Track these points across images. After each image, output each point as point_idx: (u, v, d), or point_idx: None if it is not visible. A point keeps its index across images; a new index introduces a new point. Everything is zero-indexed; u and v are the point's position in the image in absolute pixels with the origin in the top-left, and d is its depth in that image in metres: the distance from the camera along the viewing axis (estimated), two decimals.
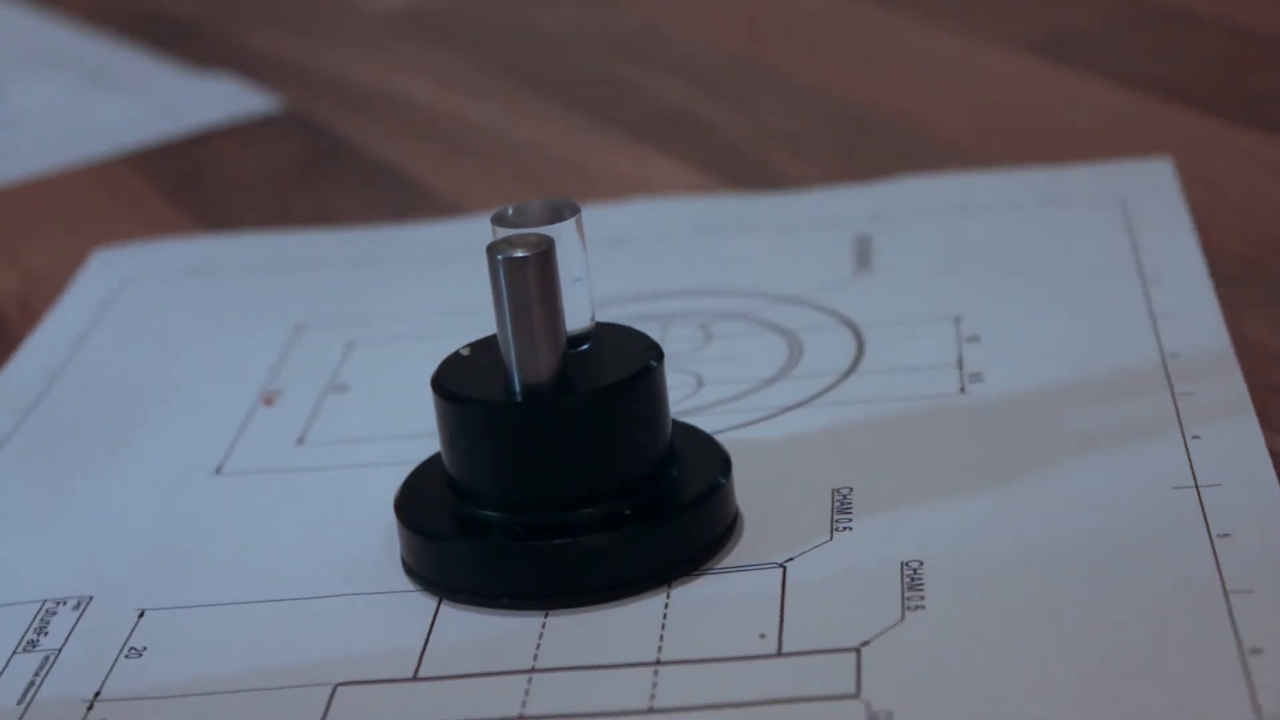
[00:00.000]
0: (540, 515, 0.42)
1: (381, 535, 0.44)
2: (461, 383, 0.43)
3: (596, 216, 0.60)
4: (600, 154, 0.68)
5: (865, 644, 0.39)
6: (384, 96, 0.77)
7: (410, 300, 0.57)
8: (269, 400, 0.51)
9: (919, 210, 0.59)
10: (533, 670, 0.40)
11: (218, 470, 0.48)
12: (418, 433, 0.48)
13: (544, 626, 0.41)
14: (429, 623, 0.42)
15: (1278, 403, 0.46)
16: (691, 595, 0.42)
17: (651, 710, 0.38)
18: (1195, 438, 0.45)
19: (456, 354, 0.44)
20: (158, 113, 0.77)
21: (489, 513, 0.42)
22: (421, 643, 0.41)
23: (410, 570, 0.43)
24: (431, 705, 0.39)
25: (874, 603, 0.41)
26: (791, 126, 0.69)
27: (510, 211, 0.42)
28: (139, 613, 0.43)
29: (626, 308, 0.54)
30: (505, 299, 0.41)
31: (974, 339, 0.51)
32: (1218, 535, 0.41)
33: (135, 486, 0.48)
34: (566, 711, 0.39)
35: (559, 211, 0.42)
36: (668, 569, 0.42)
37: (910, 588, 0.41)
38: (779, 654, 0.39)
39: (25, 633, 0.42)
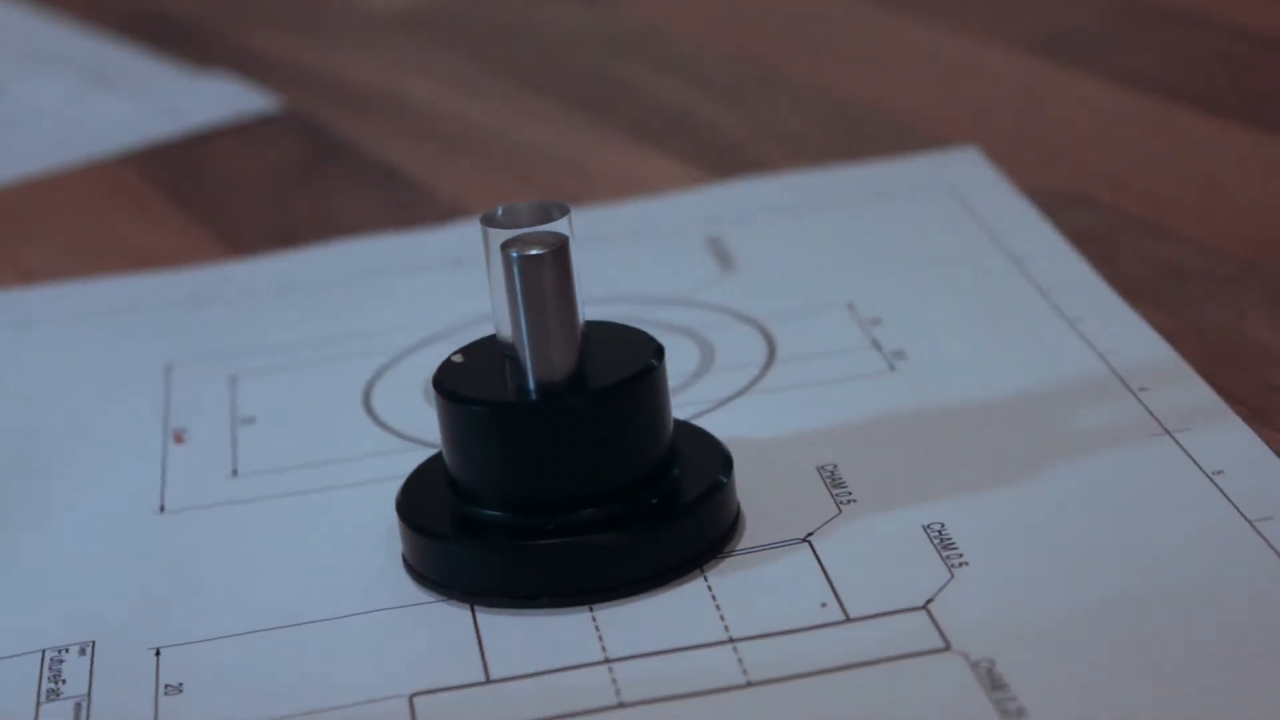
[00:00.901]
0: (549, 515, 0.42)
1: (370, 551, 0.44)
2: (467, 386, 0.42)
3: (439, 238, 0.61)
4: (600, 154, 0.68)
5: (930, 601, 0.40)
6: (384, 96, 0.77)
7: (276, 332, 0.56)
8: (179, 438, 0.50)
9: (754, 210, 0.60)
10: (607, 660, 0.40)
11: (161, 510, 0.47)
12: (347, 456, 0.48)
13: (594, 619, 0.41)
14: (471, 627, 0.41)
15: (1278, 402, 0.46)
16: (729, 577, 0.42)
17: (750, 684, 0.39)
18: (1143, 390, 0.47)
19: (449, 361, 0.43)
20: (158, 113, 0.77)
21: (491, 512, 0.42)
22: (475, 646, 0.41)
23: (430, 579, 0.43)
24: (523, 704, 0.39)
25: (915, 564, 0.42)
26: (791, 126, 0.68)
27: (500, 213, 0.42)
28: (154, 651, 0.41)
29: None
30: (520, 297, 0.41)
31: (876, 321, 0.52)
32: (1213, 473, 0.43)
33: (81, 532, 0.47)
34: (665, 694, 0.39)
35: (548, 213, 0.42)
36: (687, 563, 0.42)
37: (944, 547, 0.42)
38: (849, 619, 0.40)
39: (40, 683, 0.41)
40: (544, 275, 0.41)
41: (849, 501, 0.44)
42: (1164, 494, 0.43)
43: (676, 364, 0.50)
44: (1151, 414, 0.46)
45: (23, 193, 0.71)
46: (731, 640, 0.40)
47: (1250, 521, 0.41)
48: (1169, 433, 0.45)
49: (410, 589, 0.43)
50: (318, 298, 0.58)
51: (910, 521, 0.43)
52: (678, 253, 0.58)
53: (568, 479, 0.42)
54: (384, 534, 0.44)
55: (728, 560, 0.43)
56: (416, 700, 0.39)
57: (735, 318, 0.53)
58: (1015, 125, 0.66)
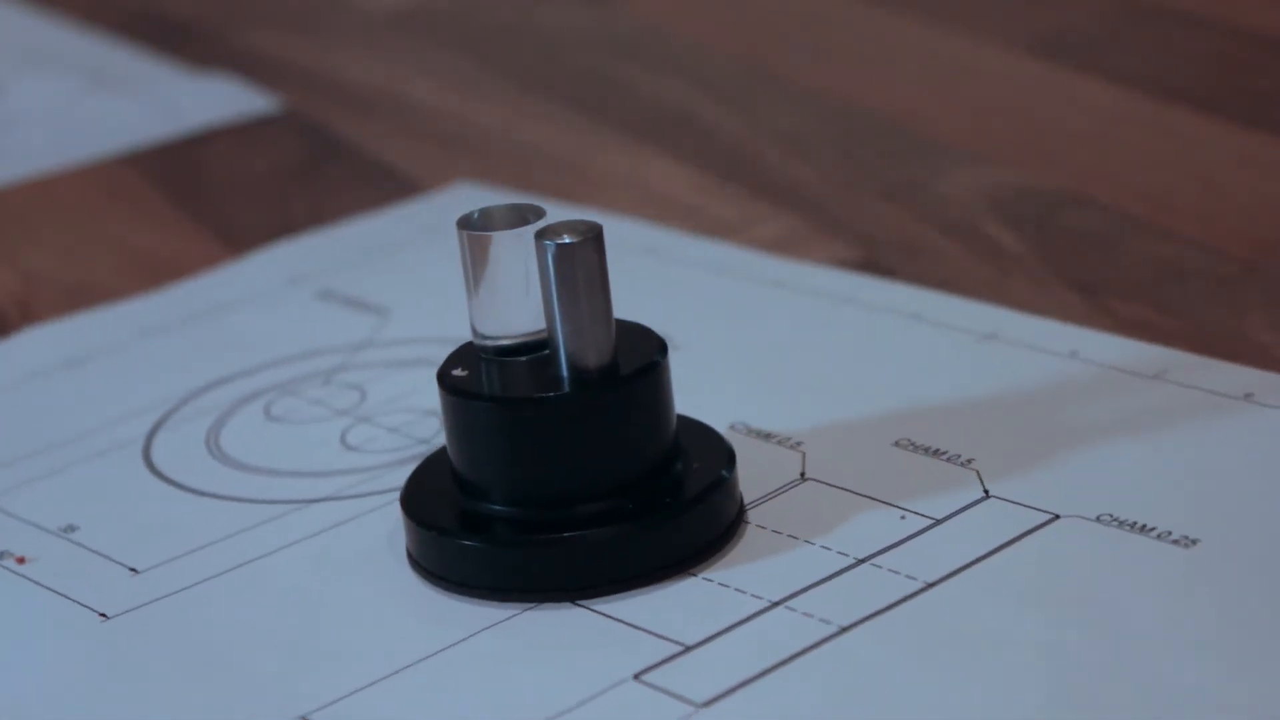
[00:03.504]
0: (559, 510, 0.42)
1: (393, 589, 0.43)
2: (482, 387, 0.42)
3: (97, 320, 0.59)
4: (600, 154, 0.68)
5: (987, 495, 0.43)
6: (384, 96, 0.77)
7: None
8: (20, 560, 0.46)
9: (343, 262, 0.60)
10: (775, 604, 0.40)
11: (104, 616, 0.44)
12: (216, 538, 0.46)
13: (706, 580, 0.42)
14: (593, 615, 0.41)
15: None
16: (780, 520, 0.43)
17: (928, 585, 0.40)
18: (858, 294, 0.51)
19: (451, 375, 0.43)
20: (158, 113, 0.77)
21: (500, 508, 0.42)
22: (626, 627, 0.41)
23: (440, 577, 0.43)
24: (754, 654, 0.39)
25: (928, 471, 0.44)
26: (791, 126, 0.68)
27: (476, 215, 0.42)
28: (301, 718, 0.40)
29: (248, 383, 0.53)
30: (554, 286, 0.41)
31: None
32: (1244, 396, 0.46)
33: (41, 651, 0.43)
34: (868, 612, 0.40)
35: (523, 215, 0.42)
36: (697, 553, 0.42)
37: (933, 454, 0.45)
38: (938, 521, 0.42)
39: None
40: (580, 263, 0.41)
41: (796, 446, 0.45)
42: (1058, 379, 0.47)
43: None
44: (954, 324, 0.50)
45: (23, 193, 0.71)
46: (861, 561, 0.41)
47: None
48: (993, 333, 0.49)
49: (488, 609, 0.42)
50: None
51: (879, 444, 0.45)
52: (304, 309, 0.58)
53: (588, 472, 0.42)
54: (381, 572, 0.44)
55: (753, 512, 0.44)
56: (645, 678, 0.39)
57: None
58: (1015, 125, 0.66)
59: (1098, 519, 0.41)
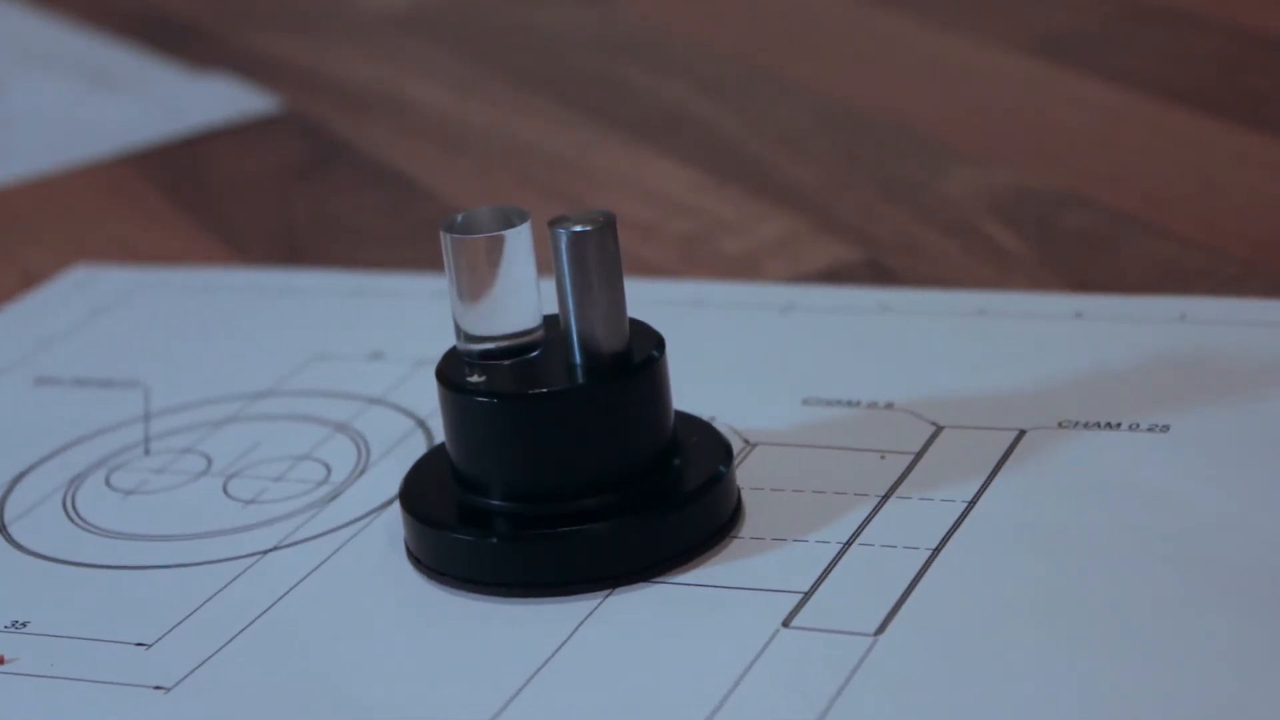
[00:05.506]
0: (563, 504, 0.42)
1: (436, 615, 0.42)
2: (494, 386, 0.42)
3: None
4: (600, 154, 0.68)
5: (938, 427, 0.45)
6: (384, 96, 0.77)
7: None
8: (1, 659, 0.43)
9: (31, 350, 0.57)
10: (846, 545, 0.42)
11: (158, 688, 0.41)
12: (199, 602, 0.44)
13: (755, 539, 0.42)
14: (687, 588, 0.41)
15: None
16: (764, 481, 0.44)
17: (969, 502, 0.43)
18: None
19: (464, 380, 0.43)
20: (158, 113, 0.77)
21: (495, 503, 0.42)
22: (731, 591, 0.41)
23: (439, 571, 0.43)
24: (870, 591, 0.40)
25: (861, 421, 0.46)
26: (791, 126, 0.69)
27: (460, 219, 0.43)
28: None
29: (59, 464, 0.51)
30: (567, 275, 0.41)
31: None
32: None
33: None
34: (940, 538, 0.42)
35: (508, 218, 0.42)
36: (698, 545, 0.43)
37: (848, 405, 0.47)
38: (919, 454, 0.45)
39: None
40: (593, 251, 0.41)
41: (712, 419, 0.46)
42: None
43: (344, 461, 0.49)
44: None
45: (23, 193, 0.72)
46: (885, 498, 0.43)
47: None
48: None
49: (565, 604, 0.42)
50: None
51: (789, 404, 0.47)
52: (36, 396, 0.55)
53: (597, 463, 0.42)
54: (407, 595, 0.43)
55: (741, 473, 0.45)
56: (795, 624, 0.40)
57: (326, 395, 0.52)
58: (1015, 125, 0.66)
59: (1061, 425, 0.45)
